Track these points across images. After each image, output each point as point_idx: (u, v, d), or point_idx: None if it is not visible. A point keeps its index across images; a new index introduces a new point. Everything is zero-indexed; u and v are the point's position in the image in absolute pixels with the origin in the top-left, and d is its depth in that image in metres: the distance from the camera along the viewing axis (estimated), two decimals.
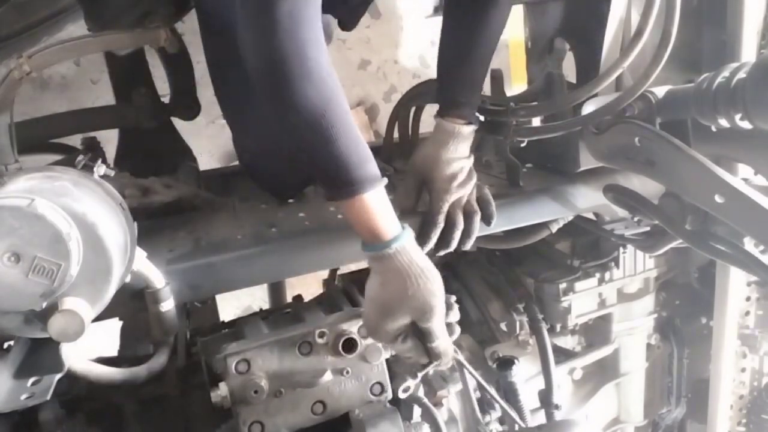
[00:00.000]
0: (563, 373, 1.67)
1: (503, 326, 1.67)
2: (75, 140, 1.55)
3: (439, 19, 1.32)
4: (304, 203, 1.44)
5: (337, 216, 1.33)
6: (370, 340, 1.15)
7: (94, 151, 1.44)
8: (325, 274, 1.91)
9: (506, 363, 1.43)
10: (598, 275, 1.64)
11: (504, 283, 1.72)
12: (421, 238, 1.21)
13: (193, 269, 1.14)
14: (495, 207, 1.26)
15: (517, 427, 1.33)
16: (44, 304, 0.77)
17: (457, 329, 1.08)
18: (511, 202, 1.36)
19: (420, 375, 1.11)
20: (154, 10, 1.35)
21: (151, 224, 1.23)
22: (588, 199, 1.42)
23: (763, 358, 1.67)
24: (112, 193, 0.91)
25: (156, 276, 1.06)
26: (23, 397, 0.95)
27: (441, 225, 1.21)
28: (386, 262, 0.99)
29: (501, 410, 1.38)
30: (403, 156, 1.63)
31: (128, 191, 1.26)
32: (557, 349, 1.66)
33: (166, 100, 1.59)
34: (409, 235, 1.02)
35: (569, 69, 1.44)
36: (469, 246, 1.24)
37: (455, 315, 1.06)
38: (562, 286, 1.60)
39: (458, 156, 1.25)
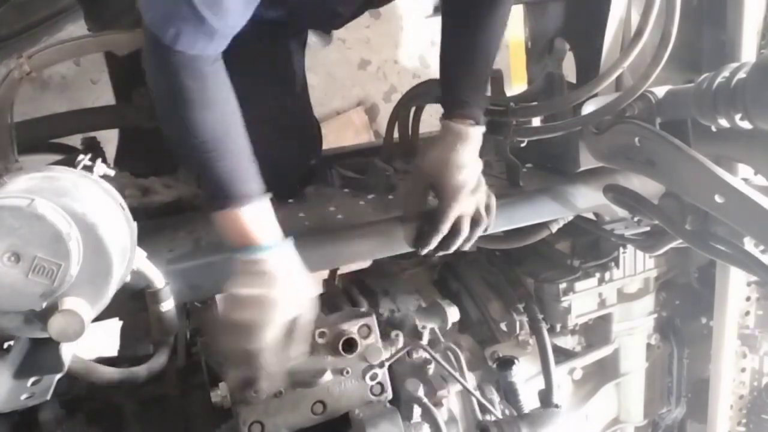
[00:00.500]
0: (563, 373, 1.68)
1: (503, 326, 1.67)
2: (75, 140, 1.55)
3: (439, 19, 1.32)
4: (304, 203, 1.44)
5: (337, 216, 1.33)
6: (370, 340, 1.15)
7: (94, 151, 1.44)
8: (325, 274, 1.91)
9: (506, 363, 1.43)
10: (598, 275, 1.64)
11: (504, 283, 1.72)
12: (421, 241, 1.21)
13: (193, 269, 1.14)
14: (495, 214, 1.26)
15: (500, 414, 1.33)
16: (44, 304, 0.77)
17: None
18: (511, 202, 1.35)
19: (387, 363, 1.11)
20: None
21: (151, 224, 1.23)
22: (588, 199, 1.42)
23: (763, 358, 1.67)
24: (112, 193, 0.91)
25: (156, 276, 1.06)
26: (23, 397, 0.95)
27: (444, 233, 1.20)
28: (256, 265, 1.00)
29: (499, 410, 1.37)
30: (403, 156, 1.63)
31: (128, 191, 1.26)
32: (557, 349, 1.66)
33: None
34: (288, 246, 1.03)
35: (569, 69, 1.44)
36: (467, 248, 1.24)
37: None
38: (562, 286, 1.60)
39: (468, 161, 1.21)
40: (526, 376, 1.54)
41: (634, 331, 1.77)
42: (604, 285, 1.65)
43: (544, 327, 1.60)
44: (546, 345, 1.57)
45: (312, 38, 1.61)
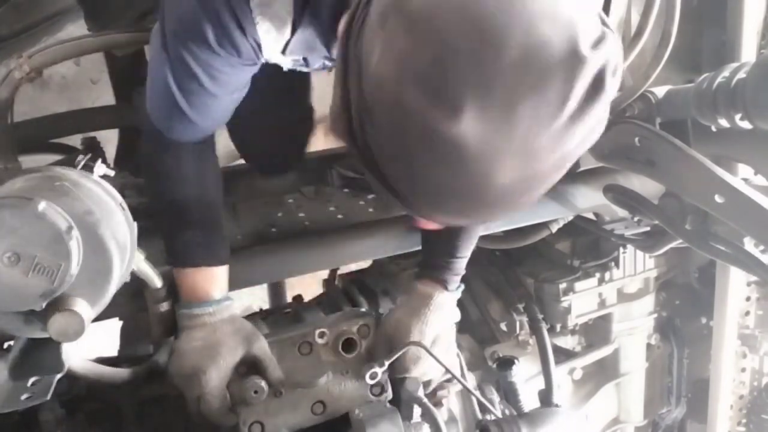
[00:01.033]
0: (563, 373, 1.68)
1: (503, 326, 1.68)
2: (75, 140, 1.55)
3: None
4: (304, 203, 1.44)
5: (337, 216, 1.33)
6: (370, 340, 1.15)
7: (94, 151, 1.44)
8: (325, 274, 1.91)
9: (506, 363, 1.43)
10: (598, 275, 1.64)
11: (504, 283, 1.72)
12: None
13: None
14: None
15: (500, 414, 1.32)
16: (44, 304, 0.77)
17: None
18: None
19: (387, 362, 1.10)
20: (153, 10, 1.35)
21: (151, 224, 1.23)
22: (588, 199, 1.42)
23: (763, 358, 1.67)
24: (112, 193, 0.91)
25: (156, 276, 1.06)
26: (23, 397, 0.95)
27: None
28: (199, 318, 1.06)
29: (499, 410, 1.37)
30: None
31: (128, 191, 1.26)
32: (557, 349, 1.66)
33: None
34: (229, 306, 1.09)
35: None
36: None
37: None
38: (562, 286, 1.61)
39: (433, 330, 1.15)
40: (526, 376, 1.54)
41: (634, 331, 1.77)
42: (604, 285, 1.65)
43: (544, 327, 1.60)
44: (546, 345, 1.57)
45: None
